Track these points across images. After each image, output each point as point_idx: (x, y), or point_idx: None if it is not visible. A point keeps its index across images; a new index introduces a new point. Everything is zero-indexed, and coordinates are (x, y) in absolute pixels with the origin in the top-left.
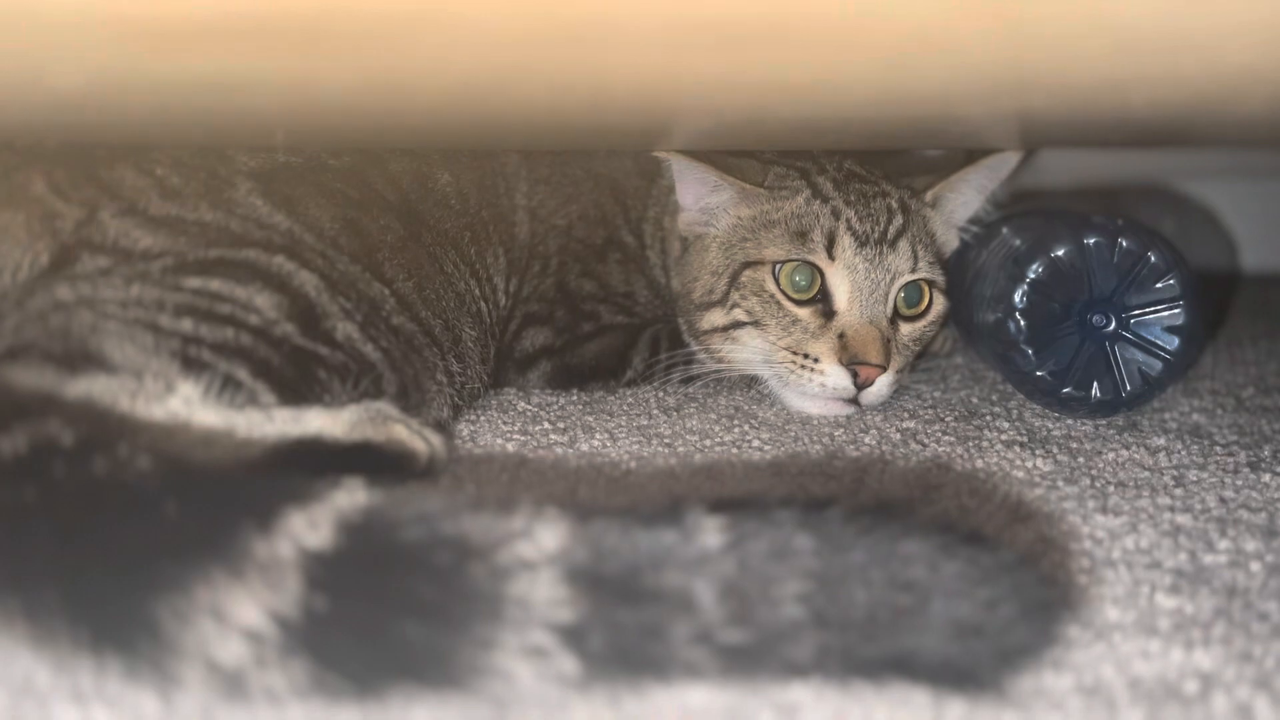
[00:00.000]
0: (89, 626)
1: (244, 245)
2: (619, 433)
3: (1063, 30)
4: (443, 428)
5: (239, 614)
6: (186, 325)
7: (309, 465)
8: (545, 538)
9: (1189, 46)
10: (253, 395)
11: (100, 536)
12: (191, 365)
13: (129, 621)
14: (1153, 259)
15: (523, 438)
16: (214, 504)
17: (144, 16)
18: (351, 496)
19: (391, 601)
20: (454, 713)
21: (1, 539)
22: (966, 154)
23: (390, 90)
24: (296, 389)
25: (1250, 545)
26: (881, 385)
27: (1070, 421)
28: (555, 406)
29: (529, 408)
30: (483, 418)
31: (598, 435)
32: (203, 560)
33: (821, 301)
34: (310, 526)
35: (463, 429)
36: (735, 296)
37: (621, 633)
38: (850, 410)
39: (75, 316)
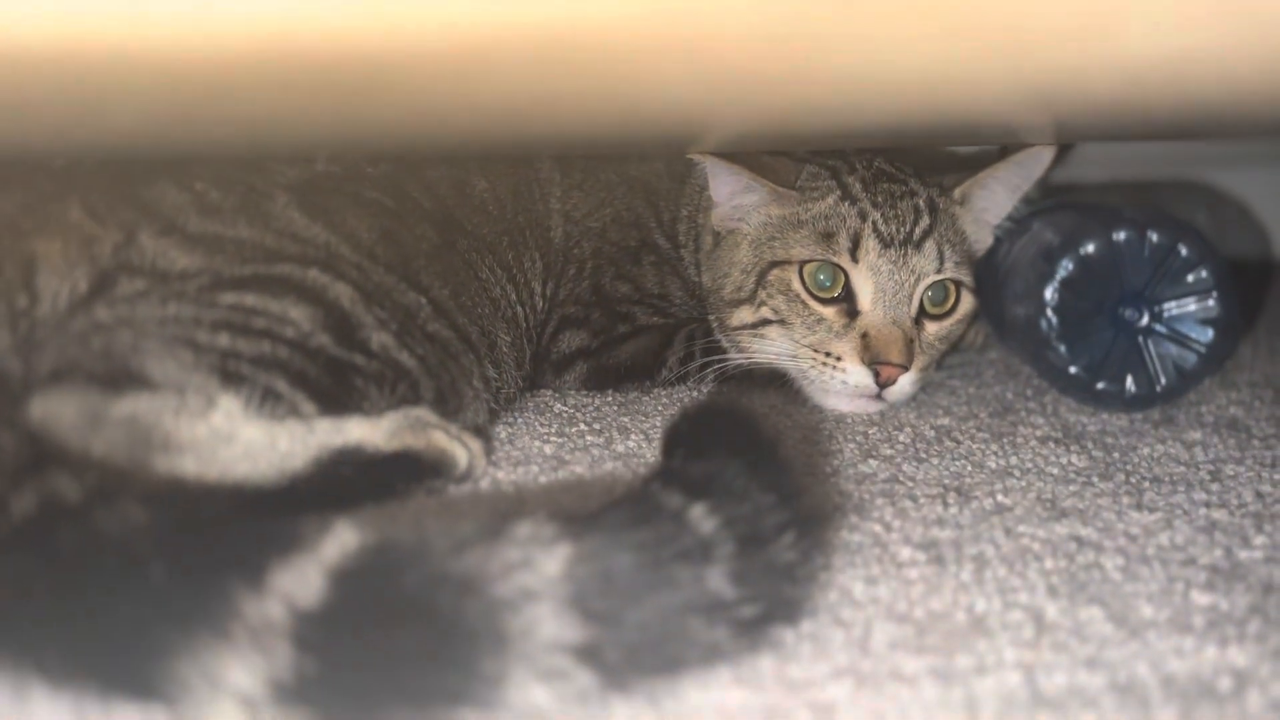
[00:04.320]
0: (97, 686)
1: (279, 260)
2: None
3: (1075, 61)
4: (480, 432)
5: (231, 679)
6: (224, 340)
7: (351, 473)
8: (547, 565)
9: (1198, 65)
10: (293, 406)
11: (97, 599)
12: (231, 379)
13: (131, 683)
14: (1183, 251)
15: (559, 439)
16: (202, 563)
17: (193, 61)
18: (341, 542)
19: (390, 651)
20: None
21: (12, 599)
22: (1000, 150)
23: (428, 121)
24: (335, 398)
25: None
26: (904, 384)
27: (1105, 416)
28: (591, 408)
29: (565, 409)
30: (520, 420)
31: (633, 436)
32: (192, 626)
33: (846, 301)
34: (300, 581)
35: (500, 431)
36: (763, 295)
37: (636, 637)
38: (876, 407)
39: (115, 337)
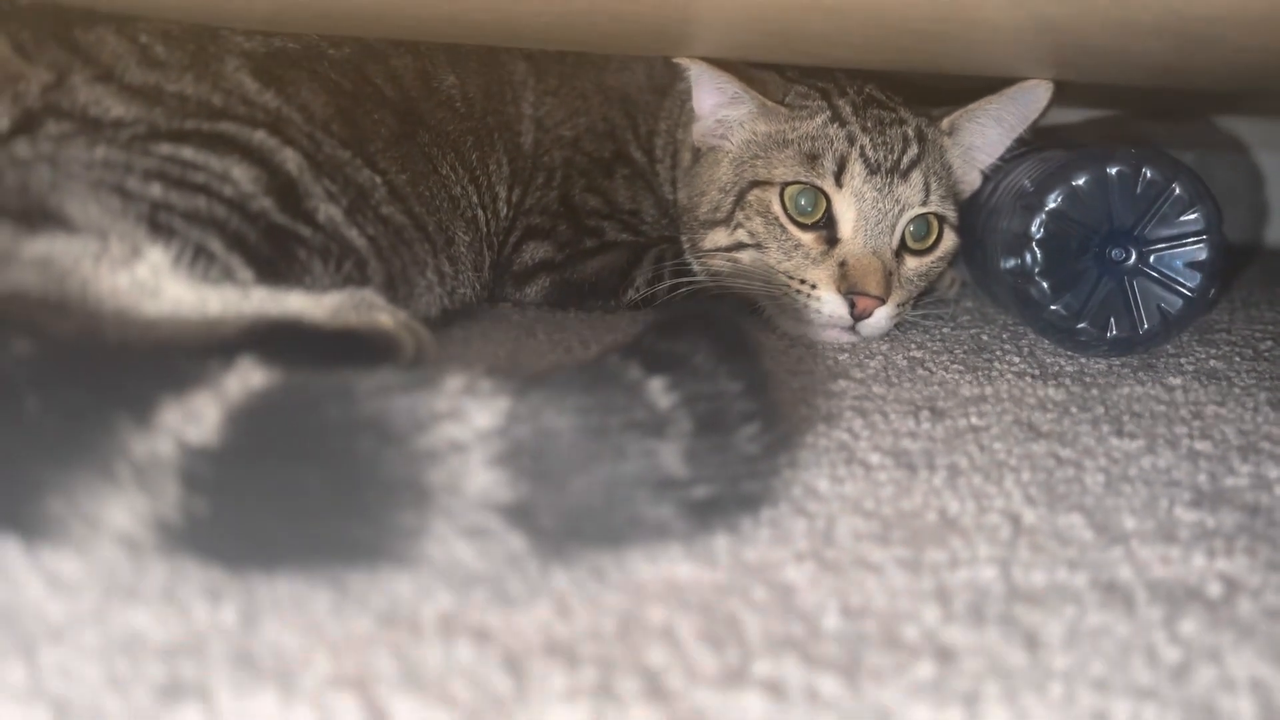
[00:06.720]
0: None
1: (224, 118)
2: None
3: None
4: (431, 326)
5: (110, 518)
6: (155, 190)
7: (287, 349)
8: (479, 416)
9: None
10: (227, 269)
11: None
12: (160, 231)
13: (14, 514)
14: (1177, 191)
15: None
16: (86, 396)
17: None
18: (245, 379)
19: (293, 497)
20: (407, 584)
21: None
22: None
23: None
24: (274, 268)
25: (1274, 472)
26: (880, 317)
27: (1084, 359)
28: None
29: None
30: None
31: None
32: (66, 460)
33: (826, 228)
34: (194, 417)
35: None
36: (740, 216)
37: (575, 505)
38: (848, 338)
39: (34, 173)
